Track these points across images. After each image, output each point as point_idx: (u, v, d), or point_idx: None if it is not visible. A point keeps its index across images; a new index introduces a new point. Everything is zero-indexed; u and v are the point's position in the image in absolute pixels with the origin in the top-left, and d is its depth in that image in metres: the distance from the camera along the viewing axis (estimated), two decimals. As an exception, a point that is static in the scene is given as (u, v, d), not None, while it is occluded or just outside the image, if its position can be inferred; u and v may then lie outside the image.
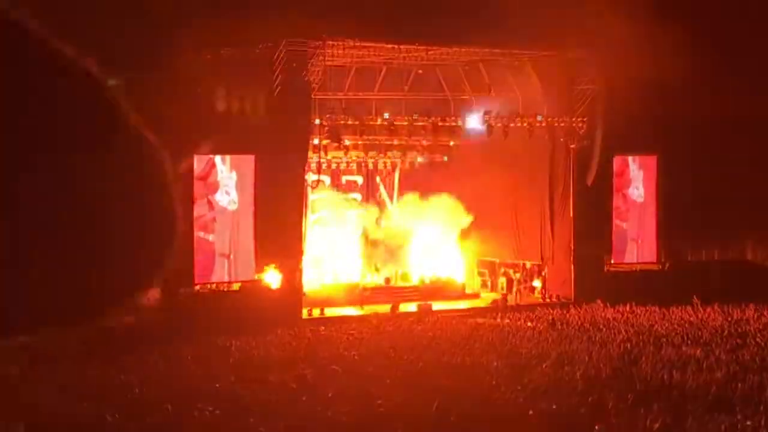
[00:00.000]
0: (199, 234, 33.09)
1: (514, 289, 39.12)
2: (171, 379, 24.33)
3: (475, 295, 39.51)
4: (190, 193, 32.46)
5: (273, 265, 34.03)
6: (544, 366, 25.78)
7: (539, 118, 37.84)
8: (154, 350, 27.50)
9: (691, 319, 33.60)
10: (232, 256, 33.70)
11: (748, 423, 20.26)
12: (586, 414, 21.11)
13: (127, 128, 8.24)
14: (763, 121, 39.65)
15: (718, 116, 39.00)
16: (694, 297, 35.73)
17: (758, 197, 39.61)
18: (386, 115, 36.75)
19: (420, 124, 37.31)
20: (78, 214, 7.48)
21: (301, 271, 34.61)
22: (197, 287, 33.05)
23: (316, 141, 35.39)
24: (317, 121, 34.97)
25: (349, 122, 35.67)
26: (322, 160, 36.17)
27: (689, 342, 29.34)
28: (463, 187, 39.83)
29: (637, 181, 39.54)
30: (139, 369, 25.41)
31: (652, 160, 39.49)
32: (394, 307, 36.02)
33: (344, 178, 39.93)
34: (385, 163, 39.97)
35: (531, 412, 21.09)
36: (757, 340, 29.39)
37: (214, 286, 33.61)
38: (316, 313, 34.93)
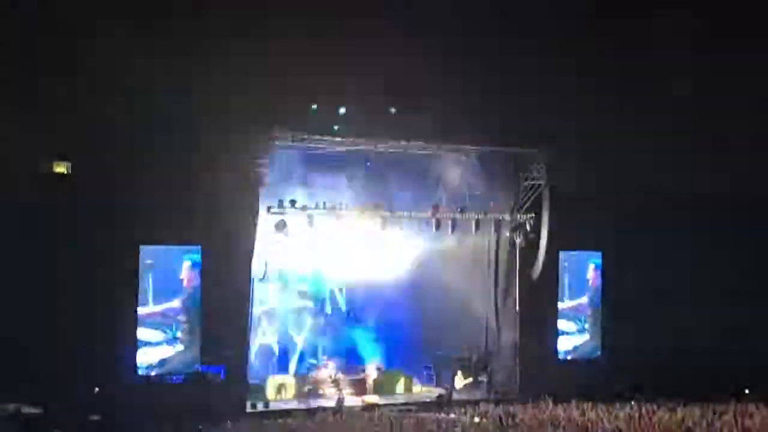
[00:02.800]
0: (142, 327, 33.06)
1: (461, 383, 38.99)
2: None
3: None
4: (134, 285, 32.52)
5: (218, 357, 33.91)
6: None
7: (486, 212, 38.37)
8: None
9: (637, 415, 33.48)
10: (176, 347, 33.60)
11: None
12: None
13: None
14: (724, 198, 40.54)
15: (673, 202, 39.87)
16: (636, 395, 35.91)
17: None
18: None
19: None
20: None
21: (245, 363, 34.52)
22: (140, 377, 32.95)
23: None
24: (265, 211, 34.98)
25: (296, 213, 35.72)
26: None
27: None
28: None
29: (581, 275, 40.08)
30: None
31: (597, 256, 40.16)
32: (339, 402, 35.87)
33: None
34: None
35: None
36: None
37: (156, 377, 33.37)
38: (260, 406, 34.75)
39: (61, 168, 32.95)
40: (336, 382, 37.88)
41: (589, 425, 31.67)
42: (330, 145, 35.64)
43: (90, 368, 31.45)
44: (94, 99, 32.75)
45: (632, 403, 35.29)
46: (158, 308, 33.33)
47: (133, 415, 30.46)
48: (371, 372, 39.20)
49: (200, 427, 30.34)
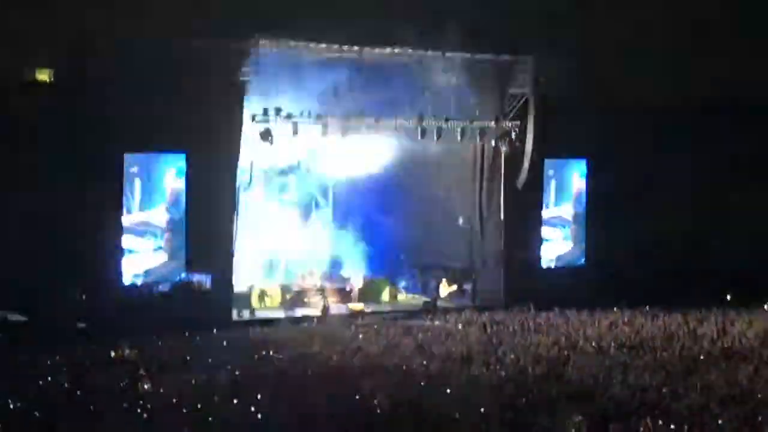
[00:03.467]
0: (128, 235, 32.90)
1: (445, 291, 39.29)
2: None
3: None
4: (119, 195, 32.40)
5: (204, 266, 33.98)
6: (472, 368, 25.97)
7: (472, 120, 38.18)
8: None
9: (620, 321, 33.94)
10: (162, 257, 33.68)
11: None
12: (512, 417, 21.38)
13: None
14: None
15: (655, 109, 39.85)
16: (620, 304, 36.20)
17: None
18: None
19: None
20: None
21: (231, 272, 34.54)
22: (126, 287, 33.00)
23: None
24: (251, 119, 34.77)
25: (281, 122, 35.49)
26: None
27: (616, 347, 29.74)
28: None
29: (566, 183, 40.31)
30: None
31: (582, 164, 40.38)
32: (325, 310, 36.11)
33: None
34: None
35: (457, 415, 21.28)
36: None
37: (143, 286, 33.46)
38: (246, 314, 34.96)
39: (43, 76, 32.68)
40: (321, 291, 37.94)
41: (572, 331, 31.98)
42: (316, 52, 35.28)
43: (76, 276, 31.56)
44: (76, 5, 32.37)
45: (614, 309, 35.70)
46: (143, 216, 33.42)
47: (119, 324, 30.53)
48: (356, 281, 39.29)
49: (83, 324, 30.48)
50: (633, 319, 34.35)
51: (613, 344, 29.89)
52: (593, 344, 29.90)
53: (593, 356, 28.16)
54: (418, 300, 39.11)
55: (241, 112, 34.18)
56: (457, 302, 38.62)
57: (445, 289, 39.46)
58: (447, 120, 37.76)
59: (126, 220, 33.03)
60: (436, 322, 34.61)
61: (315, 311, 36.19)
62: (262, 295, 36.97)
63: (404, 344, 29.70)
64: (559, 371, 26.11)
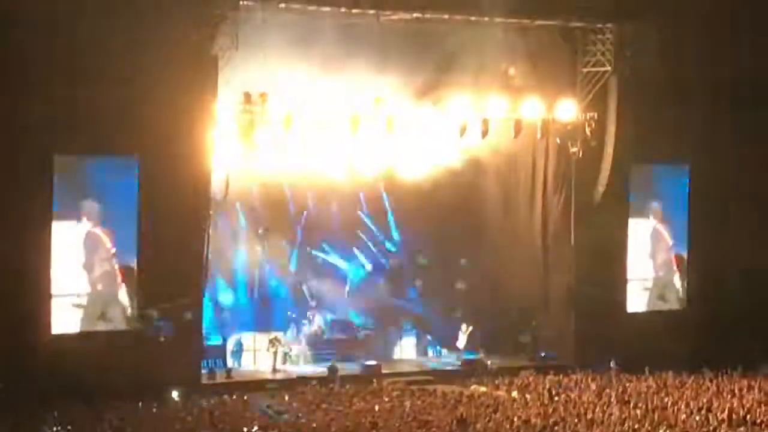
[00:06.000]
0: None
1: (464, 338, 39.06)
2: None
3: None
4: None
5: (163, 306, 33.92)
6: None
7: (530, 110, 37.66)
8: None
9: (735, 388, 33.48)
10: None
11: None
12: None
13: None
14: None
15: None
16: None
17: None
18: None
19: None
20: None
21: (202, 313, 34.71)
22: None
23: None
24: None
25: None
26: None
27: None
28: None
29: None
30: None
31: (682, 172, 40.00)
32: (333, 369, 35.98)
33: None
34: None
35: None
36: None
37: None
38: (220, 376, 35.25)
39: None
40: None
41: (668, 401, 31.43)
42: (317, 16, 35.00)
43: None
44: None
45: (727, 370, 35.45)
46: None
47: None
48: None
49: None
50: (753, 382, 34.04)
51: (724, 420, 29.40)
52: (698, 419, 29.51)
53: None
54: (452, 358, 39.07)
55: (213, 99, 33.85)
56: (511, 360, 38.47)
57: (464, 336, 39.14)
58: (494, 111, 37.38)
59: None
60: (482, 388, 34.39)
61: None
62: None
63: (437, 420, 29.32)
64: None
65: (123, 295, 33.93)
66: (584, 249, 38.54)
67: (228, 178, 35.35)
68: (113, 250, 33.85)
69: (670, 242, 40.33)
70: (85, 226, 33.41)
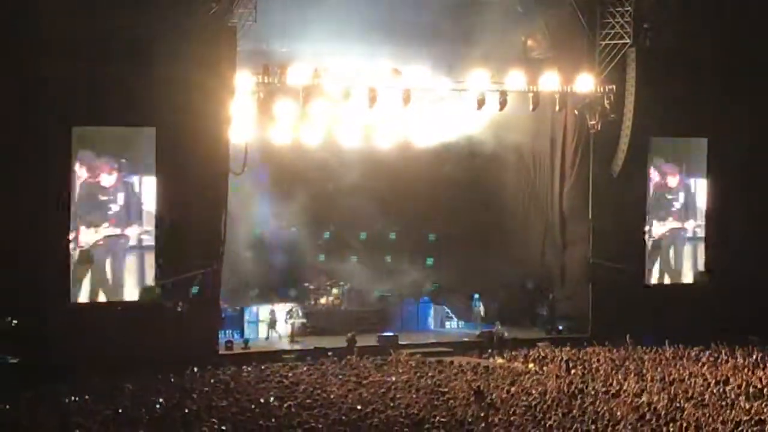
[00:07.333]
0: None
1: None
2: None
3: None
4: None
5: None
6: (549, 424, 25.39)
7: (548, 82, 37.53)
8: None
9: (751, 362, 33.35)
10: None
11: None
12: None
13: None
14: None
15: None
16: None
17: None
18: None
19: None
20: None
21: (219, 284, 34.57)
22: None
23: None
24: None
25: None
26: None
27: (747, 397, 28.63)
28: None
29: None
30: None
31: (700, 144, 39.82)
32: (351, 340, 35.78)
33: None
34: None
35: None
36: None
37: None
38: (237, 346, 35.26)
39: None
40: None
41: (685, 374, 31.20)
42: None
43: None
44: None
45: (745, 344, 35.21)
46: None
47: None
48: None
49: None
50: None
51: (742, 394, 29.04)
52: (715, 392, 29.27)
53: (716, 409, 27.31)
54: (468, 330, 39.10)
55: (233, 70, 33.79)
56: (526, 332, 38.43)
57: (480, 307, 39.58)
58: (510, 83, 37.27)
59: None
60: (499, 360, 34.42)
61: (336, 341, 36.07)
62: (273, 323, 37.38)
63: (454, 391, 29.18)
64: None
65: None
66: (602, 222, 38.46)
67: (246, 149, 35.29)
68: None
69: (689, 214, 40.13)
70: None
